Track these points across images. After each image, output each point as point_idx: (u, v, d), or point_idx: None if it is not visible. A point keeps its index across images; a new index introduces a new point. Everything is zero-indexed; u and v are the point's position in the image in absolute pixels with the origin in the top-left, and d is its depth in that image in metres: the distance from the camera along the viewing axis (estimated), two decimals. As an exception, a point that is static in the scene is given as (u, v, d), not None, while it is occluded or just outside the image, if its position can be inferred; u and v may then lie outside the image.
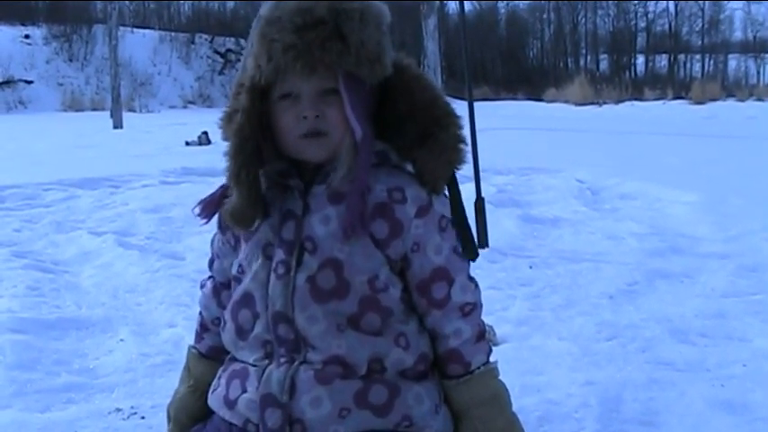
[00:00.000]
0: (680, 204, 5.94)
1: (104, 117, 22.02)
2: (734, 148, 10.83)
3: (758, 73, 44.81)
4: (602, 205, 6.27)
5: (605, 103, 31.36)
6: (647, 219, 5.55)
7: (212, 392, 1.48)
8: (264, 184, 1.42)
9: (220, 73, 36.76)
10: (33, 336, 3.11)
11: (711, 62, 45.76)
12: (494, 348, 1.56)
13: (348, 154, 1.36)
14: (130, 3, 39.40)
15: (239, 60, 1.47)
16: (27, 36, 34.07)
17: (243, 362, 1.44)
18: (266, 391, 1.36)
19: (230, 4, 40.93)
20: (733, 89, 34.31)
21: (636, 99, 32.63)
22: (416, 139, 1.41)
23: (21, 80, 32.10)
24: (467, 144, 1.44)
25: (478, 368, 1.44)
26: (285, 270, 1.39)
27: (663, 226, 5.30)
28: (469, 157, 1.84)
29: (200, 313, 1.62)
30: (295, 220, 1.40)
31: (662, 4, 48.93)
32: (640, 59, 46.94)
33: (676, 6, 45.87)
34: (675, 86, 36.64)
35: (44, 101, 31.11)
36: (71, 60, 34.61)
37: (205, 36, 37.83)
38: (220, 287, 1.57)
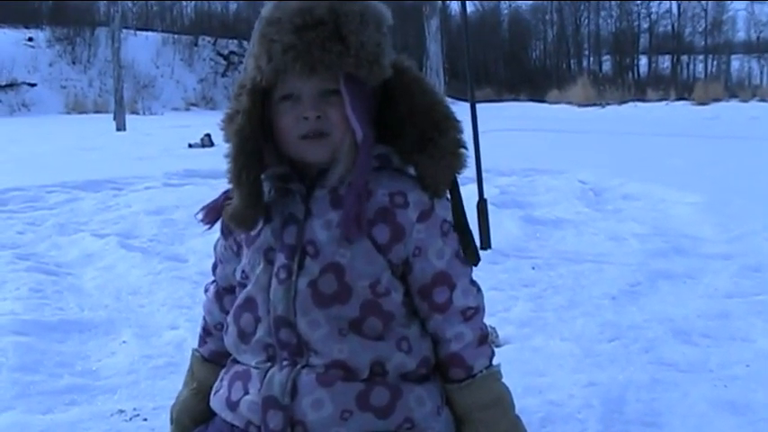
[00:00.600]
0: (683, 205, 5.94)
1: (107, 119, 22.12)
2: (737, 149, 10.82)
3: (761, 74, 44.78)
4: (605, 206, 6.26)
5: (608, 104, 31.35)
6: (649, 219, 5.55)
7: (214, 394, 1.48)
8: (266, 188, 1.42)
9: (223, 75, 36.83)
10: (36, 338, 3.12)
11: (714, 63, 45.77)
12: (496, 350, 1.56)
13: (348, 154, 1.36)
14: (133, 4, 39.48)
15: (242, 62, 1.47)
16: (30, 39, 34.18)
17: (245, 364, 1.44)
18: (268, 393, 1.36)
19: (233, 6, 41.04)
20: (736, 90, 34.34)
21: (639, 100, 32.63)
22: (416, 143, 1.40)
23: (24, 83, 32.22)
24: (467, 148, 1.43)
25: (480, 372, 1.43)
26: (287, 275, 1.38)
27: (666, 227, 5.29)
28: (471, 159, 1.83)
29: (204, 317, 1.62)
30: (297, 225, 1.40)
31: (665, 5, 49.01)
32: (643, 60, 46.95)
33: (679, 7, 45.90)
34: (678, 87, 36.65)
35: (47, 103, 31.21)
36: (74, 63, 34.72)
37: (208, 38, 37.93)
38: (223, 292, 1.57)
